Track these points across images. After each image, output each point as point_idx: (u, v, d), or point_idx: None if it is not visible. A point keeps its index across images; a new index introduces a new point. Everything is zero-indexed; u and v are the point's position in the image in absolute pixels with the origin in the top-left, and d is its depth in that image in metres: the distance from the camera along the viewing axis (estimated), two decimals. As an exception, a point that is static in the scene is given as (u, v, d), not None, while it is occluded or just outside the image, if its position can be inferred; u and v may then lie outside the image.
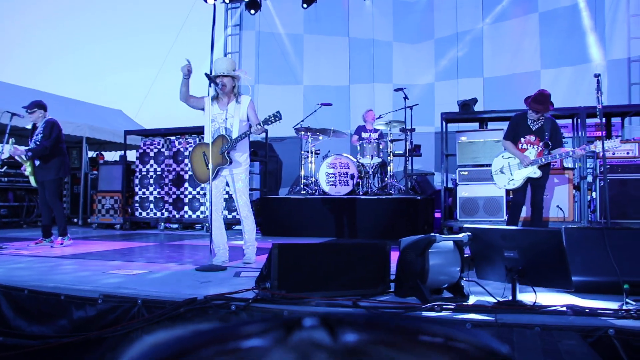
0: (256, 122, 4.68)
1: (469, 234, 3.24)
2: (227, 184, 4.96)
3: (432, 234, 3.26)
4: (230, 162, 4.71)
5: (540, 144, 5.43)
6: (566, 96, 9.65)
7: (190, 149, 9.11)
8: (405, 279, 3.26)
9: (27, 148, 6.37)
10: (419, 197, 7.51)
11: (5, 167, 9.39)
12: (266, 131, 8.77)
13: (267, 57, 13.14)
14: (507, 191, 6.75)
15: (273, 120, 4.54)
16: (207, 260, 4.69)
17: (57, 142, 6.47)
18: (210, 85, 4.78)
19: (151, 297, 3.33)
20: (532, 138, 5.47)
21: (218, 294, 3.19)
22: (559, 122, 7.11)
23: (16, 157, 6.51)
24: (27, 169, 6.43)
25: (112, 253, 5.85)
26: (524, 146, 5.50)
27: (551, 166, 6.71)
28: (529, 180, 5.48)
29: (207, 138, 4.74)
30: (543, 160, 5.37)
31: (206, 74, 4.71)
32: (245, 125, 4.80)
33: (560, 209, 6.91)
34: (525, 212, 5.92)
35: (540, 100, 5.32)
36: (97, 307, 3.42)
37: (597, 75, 4.83)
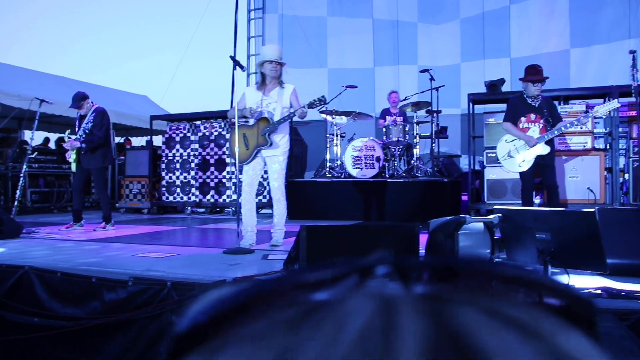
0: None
1: (500, 215, 3.19)
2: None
3: (461, 215, 3.22)
4: (271, 144, 4.74)
5: (541, 120, 5.35)
6: (597, 75, 9.44)
7: (215, 133, 9.19)
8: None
9: (82, 139, 6.40)
10: (445, 180, 7.43)
11: (36, 152, 9.54)
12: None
13: (290, 41, 13.07)
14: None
15: (318, 104, 4.64)
16: (234, 243, 4.71)
17: (107, 130, 6.58)
18: (234, 69, 4.80)
19: (180, 280, 3.36)
20: (533, 116, 5.40)
21: (247, 276, 3.21)
22: (590, 101, 6.97)
23: (70, 149, 6.58)
24: (72, 156, 6.52)
25: (141, 237, 5.92)
26: (526, 125, 5.43)
27: (583, 147, 6.58)
28: (538, 160, 5.40)
29: (235, 119, 4.76)
30: (549, 135, 5.28)
31: (231, 57, 4.75)
32: (287, 112, 4.83)
33: (591, 190, 6.78)
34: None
35: (535, 71, 5.29)
36: (128, 289, 3.46)
37: (632, 52, 4.71)
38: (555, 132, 5.28)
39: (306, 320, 0.23)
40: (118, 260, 4.16)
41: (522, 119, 5.44)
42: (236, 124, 4.75)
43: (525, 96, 5.43)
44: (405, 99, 8.59)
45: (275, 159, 4.85)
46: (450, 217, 3.21)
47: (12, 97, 9.60)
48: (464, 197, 8.32)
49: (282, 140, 4.86)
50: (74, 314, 3.61)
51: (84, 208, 6.87)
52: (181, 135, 9.48)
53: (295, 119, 4.88)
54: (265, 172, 5.17)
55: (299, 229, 3.15)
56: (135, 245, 5.06)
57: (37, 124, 7.11)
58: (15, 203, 6.72)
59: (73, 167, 6.60)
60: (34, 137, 7.07)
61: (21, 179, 6.77)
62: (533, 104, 5.41)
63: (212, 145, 9.21)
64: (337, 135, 8.40)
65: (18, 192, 6.68)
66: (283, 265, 3.40)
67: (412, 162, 8.02)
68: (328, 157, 8.61)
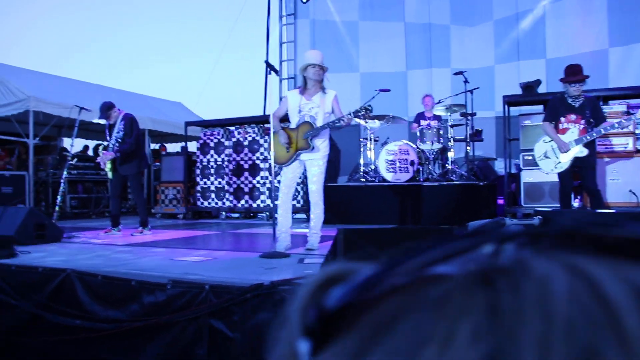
0: (340, 115, 4.78)
1: (540, 217, 3.13)
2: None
3: (500, 217, 3.17)
4: (312, 148, 4.80)
5: (582, 121, 5.22)
6: (638, 74, 9.19)
7: (249, 138, 9.27)
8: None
9: (115, 149, 6.53)
10: (481, 183, 7.34)
11: (76, 159, 9.77)
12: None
13: (322, 46, 13.07)
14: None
15: (364, 113, 4.66)
16: (270, 247, 4.74)
17: (138, 136, 6.70)
18: (269, 73, 4.87)
19: (218, 283, 3.38)
20: (573, 117, 5.28)
21: (284, 279, 3.21)
22: (631, 101, 6.79)
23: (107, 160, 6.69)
24: (108, 165, 6.64)
25: (177, 241, 6.00)
26: (565, 125, 5.31)
27: (624, 149, 6.42)
28: (575, 162, 5.27)
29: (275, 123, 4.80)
30: (587, 138, 5.16)
31: (266, 62, 4.81)
32: (328, 117, 4.89)
33: (634, 193, 6.60)
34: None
35: (574, 70, 5.17)
36: (167, 292, 3.50)
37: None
38: (594, 135, 5.17)
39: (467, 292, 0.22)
40: (156, 264, 4.22)
41: (562, 119, 5.34)
42: (271, 128, 4.80)
43: (566, 96, 5.33)
44: (439, 102, 8.52)
45: (315, 162, 4.87)
46: (489, 220, 3.17)
47: (52, 106, 9.86)
48: (500, 201, 8.19)
49: (322, 144, 4.90)
50: (114, 317, 3.67)
51: (121, 213, 6.99)
52: (215, 141, 9.58)
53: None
54: (302, 176, 5.21)
55: (336, 232, 3.14)
56: (173, 250, 5.13)
57: (76, 131, 7.28)
58: (56, 208, 6.88)
59: (109, 174, 6.72)
60: (74, 144, 7.23)
61: (62, 184, 6.94)
62: (574, 104, 5.30)
63: (245, 150, 9.28)
64: (370, 140, 8.38)
65: (59, 197, 6.85)
66: (320, 268, 3.40)
67: (447, 165, 7.94)
68: (362, 161, 8.59)
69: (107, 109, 6.65)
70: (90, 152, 12.89)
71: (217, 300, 3.29)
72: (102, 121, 6.76)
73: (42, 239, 5.66)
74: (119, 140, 6.52)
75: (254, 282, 3.24)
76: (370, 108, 4.76)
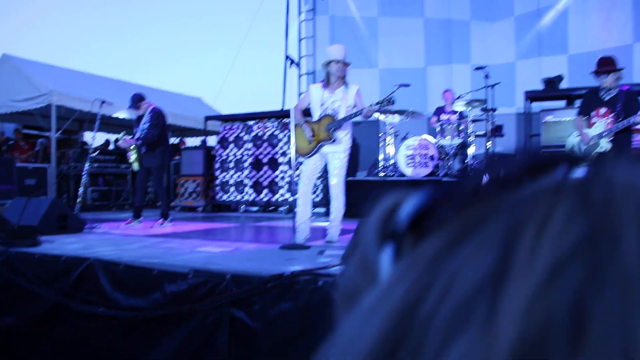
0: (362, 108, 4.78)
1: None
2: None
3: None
4: (334, 140, 4.80)
5: (611, 115, 5.11)
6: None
7: (268, 132, 9.30)
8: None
9: (136, 137, 6.64)
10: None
11: (98, 151, 9.89)
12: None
13: (341, 41, 12.92)
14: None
15: (385, 105, 4.68)
16: (289, 239, 4.75)
17: (163, 129, 6.76)
18: (290, 66, 4.89)
19: (239, 273, 3.40)
20: (603, 110, 5.17)
21: (305, 270, 3.22)
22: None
23: (126, 147, 6.80)
24: (132, 156, 6.72)
25: (198, 233, 6.04)
26: (594, 120, 5.21)
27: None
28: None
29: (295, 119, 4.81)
30: (607, 132, 5.05)
31: (287, 56, 4.83)
32: (351, 111, 4.88)
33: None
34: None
35: (604, 62, 5.08)
36: (188, 281, 3.52)
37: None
38: (620, 126, 5.06)
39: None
40: (177, 254, 4.25)
41: (592, 113, 5.25)
42: (292, 121, 4.81)
43: (600, 89, 5.24)
44: (459, 97, 8.47)
45: (336, 155, 4.88)
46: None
47: (74, 100, 9.98)
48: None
49: (345, 137, 4.90)
50: (136, 305, 3.71)
51: (144, 206, 7.07)
52: (235, 135, 9.63)
53: (357, 118, 4.91)
54: (321, 171, 5.22)
55: (358, 223, 3.13)
56: (193, 241, 5.16)
57: (98, 125, 7.36)
58: (78, 199, 6.97)
59: (135, 166, 6.79)
60: (95, 136, 7.31)
61: (84, 176, 7.02)
62: (606, 97, 5.19)
63: (265, 144, 9.32)
64: (390, 134, 8.35)
65: (81, 189, 6.94)
66: (341, 258, 3.39)
67: (467, 161, 7.89)
68: (381, 156, 8.57)
69: (137, 100, 6.74)
70: (111, 147, 13.03)
71: (238, 290, 3.31)
72: (122, 115, 6.84)
73: (64, 229, 5.72)
74: (144, 131, 6.60)
75: (275, 272, 3.25)
76: (392, 100, 4.75)
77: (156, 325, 3.60)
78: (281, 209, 9.68)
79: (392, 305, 0.22)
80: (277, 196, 9.22)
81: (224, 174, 9.68)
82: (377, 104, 4.73)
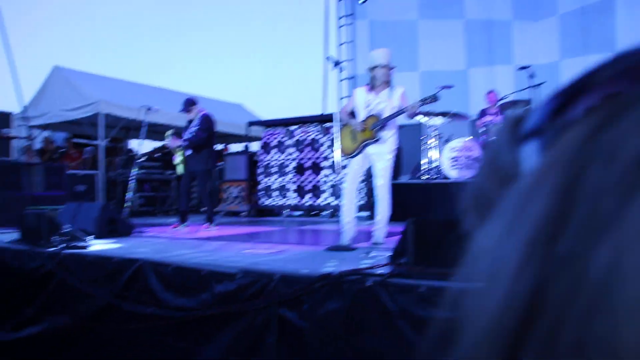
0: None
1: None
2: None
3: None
4: (378, 139, 4.79)
5: None
6: None
7: (311, 137, 9.33)
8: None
9: (184, 138, 6.78)
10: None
11: (145, 157, 10.11)
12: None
13: (380, 46, 12.83)
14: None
15: (430, 101, 4.64)
16: (335, 242, 4.74)
17: (211, 135, 6.87)
18: (333, 68, 4.91)
19: (287, 273, 3.41)
20: None
21: (353, 269, 3.20)
22: None
23: (172, 147, 6.94)
24: (178, 158, 6.85)
25: (243, 236, 6.10)
26: None
27: None
28: None
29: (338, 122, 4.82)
30: None
31: (329, 58, 4.85)
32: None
33: None
34: None
35: None
36: (236, 281, 3.55)
37: None
38: None
39: None
40: (224, 255, 4.30)
41: None
42: (334, 123, 4.82)
43: None
44: (503, 98, 8.33)
45: (382, 156, 4.86)
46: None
47: (120, 108, 10.25)
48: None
49: (390, 138, 4.88)
50: (185, 305, 3.76)
51: (189, 210, 7.18)
52: (277, 140, 9.70)
53: (401, 121, 4.89)
54: (364, 174, 5.21)
55: (407, 222, 3.11)
56: (239, 243, 5.21)
57: (145, 131, 7.53)
58: (127, 204, 7.13)
59: (179, 169, 6.92)
60: (143, 142, 7.48)
61: (132, 182, 7.19)
62: None
63: (307, 149, 9.36)
64: (433, 137, 8.27)
65: (130, 194, 7.10)
66: (389, 260, 3.37)
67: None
68: (424, 160, 8.49)
69: (189, 104, 6.88)
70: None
71: (287, 290, 3.31)
72: (183, 118, 6.95)
73: (113, 233, 5.86)
74: (192, 134, 6.71)
75: (323, 272, 3.25)
76: (436, 97, 4.70)
77: (205, 326, 3.64)
78: (324, 213, 9.70)
79: (552, 183, 0.22)
80: (320, 200, 9.23)
81: (267, 178, 9.75)
82: (421, 101, 4.69)
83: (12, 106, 10.41)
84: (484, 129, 7.91)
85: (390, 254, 3.40)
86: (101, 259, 4.34)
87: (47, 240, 4.80)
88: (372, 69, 4.90)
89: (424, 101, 4.70)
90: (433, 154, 8.26)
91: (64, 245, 4.67)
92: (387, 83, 4.90)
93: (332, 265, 3.58)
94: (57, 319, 4.44)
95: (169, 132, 6.99)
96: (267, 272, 3.46)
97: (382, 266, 3.27)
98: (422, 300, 2.85)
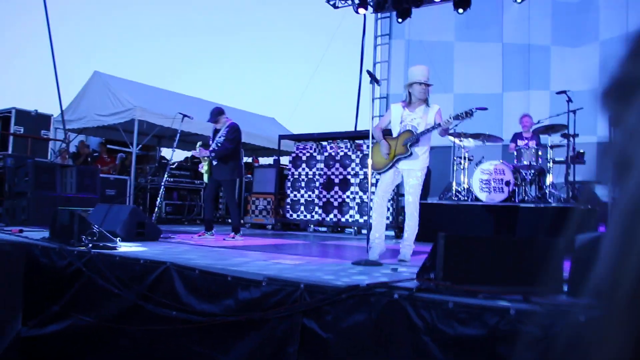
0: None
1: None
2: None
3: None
4: (410, 154, 4.76)
5: None
6: None
7: (341, 153, 9.32)
8: (580, 280, 2.99)
9: (210, 149, 6.85)
10: (582, 207, 6.94)
11: (176, 163, 10.23)
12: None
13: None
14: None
15: (464, 117, 4.63)
16: (359, 257, 4.70)
17: (238, 145, 6.92)
18: (371, 82, 4.90)
19: (313, 283, 3.38)
20: None
21: (381, 282, 3.15)
22: None
23: (199, 157, 7.01)
24: (204, 167, 6.92)
25: (269, 247, 6.09)
26: None
27: None
28: None
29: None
30: None
31: (368, 71, 4.88)
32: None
33: None
34: None
35: None
36: (261, 289, 3.53)
37: None
38: None
39: None
40: (250, 263, 4.29)
41: None
42: (370, 137, 4.80)
43: None
44: (538, 123, 8.22)
45: (413, 173, 4.83)
46: (599, 233, 2.97)
47: (155, 116, 10.40)
48: (602, 228, 7.73)
49: (422, 154, 4.84)
50: (209, 310, 3.75)
51: (214, 219, 7.21)
52: (308, 154, 9.72)
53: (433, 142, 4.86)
54: (392, 193, 5.18)
55: (437, 237, 3.05)
56: (265, 253, 5.21)
57: (178, 139, 7.61)
58: (156, 210, 7.20)
59: (205, 177, 6.97)
60: (175, 150, 7.56)
61: (162, 187, 7.26)
62: None
63: (337, 165, 9.35)
64: (464, 159, 8.19)
65: (159, 199, 7.17)
66: (416, 276, 3.32)
67: (545, 187, 7.60)
68: (454, 181, 8.40)
69: (217, 113, 6.95)
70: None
71: (311, 300, 3.28)
72: (211, 128, 7.04)
73: (142, 236, 5.92)
74: (219, 144, 6.77)
75: (349, 284, 3.21)
76: (470, 112, 4.65)
77: (227, 332, 3.62)
78: (349, 230, 9.64)
79: None
80: (346, 217, 9.19)
81: (295, 192, 9.76)
82: (456, 116, 4.65)
83: (53, 109, 10.70)
84: (516, 152, 7.79)
85: (418, 269, 3.34)
86: (129, 260, 4.37)
87: (77, 239, 4.86)
88: (410, 85, 4.89)
89: (458, 117, 4.65)
90: (464, 175, 8.17)
91: (93, 245, 4.71)
92: (424, 100, 4.88)
93: (359, 278, 3.54)
94: (82, 317, 4.47)
95: (199, 143, 7.06)
96: (293, 281, 3.43)
97: (410, 280, 3.22)
98: (449, 317, 2.79)
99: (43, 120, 9.42)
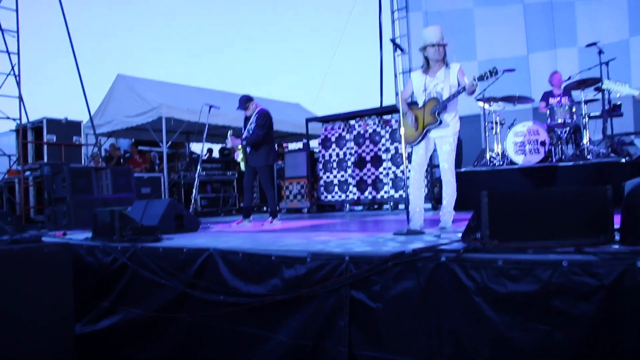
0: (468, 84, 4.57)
1: None
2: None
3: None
4: (440, 122, 4.67)
5: None
6: None
7: (370, 130, 9.26)
8: (634, 226, 2.90)
9: (242, 137, 6.87)
10: (623, 160, 6.77)
11: (208, 154, 10.29)
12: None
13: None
14: None
15: (489, 76, 4.48)
16: (401, 228, 4.65)
17: (269, 130, 6.92)
18: (395, 51, 4.82)
19: (358, 254, 3.35)
20: None
21: (426, 247, 3.11)
22: None
23: (231, 147, 7.05)
24: (240, 156, 6.94)
25: (309, 228, 6.10)
26: None
27: None
28: None
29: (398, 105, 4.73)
30: None
31: (391, 40, 4.80)
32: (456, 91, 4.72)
33: None
34: None
35: None
36: (307, 265, 3.52)
37: None
38: None
39: None
40: (293, 242, 4.29)
41: None
42: (400, 109, 4.73)
43: None
44: (569, 79, 8.00)
45: (445, 139, 4.75)
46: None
47: (182, 111, 10.47)
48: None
49: (452, 120, 4.75)
50: (255, 292, 3.76)
51: (252, 205, 7.24)
52: (336, 135, 9.68)
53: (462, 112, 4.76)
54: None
55: (480, 196, 2.99)
56: (307, 233, 5.23)
57: (207, 131, 7.65)
58: (192, 201, 7.27)
59: (242, 166, 6.98)
60: (205, 143, 7.60)
61: (196, 179, 7.32)
62: None
63: (367, 142, 9.29)
64: (496, 123, 8.04)
65: (194, 192, 7.22)
66: (461, 237, 3.26)
67: (582, 144, 7.41)
68: (487, 147, 8.26)
69: (246, 101, 6.96)
70: (215, 154, 13.57)
71: (358, 271, 3.26)
72: (240, 117, 7.03)
73: (181, 228, 5.98)
74: (250, 132, 6.78)
75: (395, 252, 3.17)
76: (495, 70, 4.49)
77: (275, 311, 3.62)
78: (386, 206, 9.60)
79: None
80: (381, 193, 9.14)
81: (327, 174, 9.74)
82: (480, 77, 4.51)
83: (82, 115, 10.88)
84: (549, 111, 7.60)
85: (463, 231, 3.29)
86: (173, 250, 4.41)
87: (120, 236, 4.93)
88: (424, 48, 4.76)
89: (482, 77, 4.50)
90: (496, 140, 8.03)
91: (136, 239, 4.78)
92: (442, 61, 4.76)
93: (404, 245, 3.50)
94: (132, 309, 4.55)
95: (230, 132, 7.08)
96: (337, 254, 3.41)
97: (456, 242, 3.17)
98: (499, 275, 2.73)
99: (73, 127, 9.57)
